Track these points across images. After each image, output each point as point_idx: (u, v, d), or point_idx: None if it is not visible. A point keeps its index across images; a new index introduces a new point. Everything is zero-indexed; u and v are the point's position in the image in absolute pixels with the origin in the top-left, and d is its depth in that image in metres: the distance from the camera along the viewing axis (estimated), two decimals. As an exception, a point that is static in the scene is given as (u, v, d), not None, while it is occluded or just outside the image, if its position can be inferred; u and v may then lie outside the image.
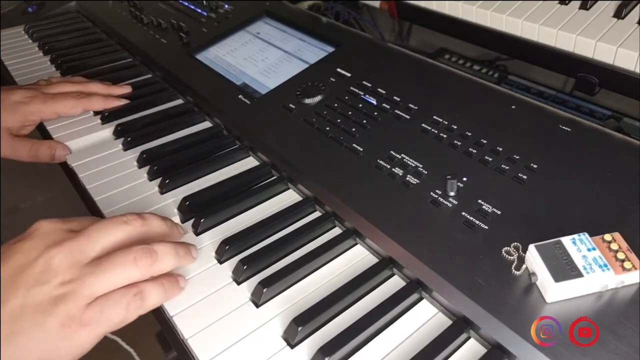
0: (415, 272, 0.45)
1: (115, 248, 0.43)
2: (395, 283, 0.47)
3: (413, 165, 0.53)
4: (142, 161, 0.65)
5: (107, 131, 0.72)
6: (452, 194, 0.49)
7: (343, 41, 0.74)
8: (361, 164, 0.55)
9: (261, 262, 0.50)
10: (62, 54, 0.92)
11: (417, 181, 0.51)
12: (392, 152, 0.55)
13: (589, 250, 0.40)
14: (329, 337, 0.42)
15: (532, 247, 0.41)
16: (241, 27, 0.86)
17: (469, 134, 0.54)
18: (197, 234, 0.54)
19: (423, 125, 0.57)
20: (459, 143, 0.54)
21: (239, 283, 0.49)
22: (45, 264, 0.40)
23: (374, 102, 0.62)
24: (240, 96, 0.70)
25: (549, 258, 0.40)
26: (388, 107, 0.61)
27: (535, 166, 0.49)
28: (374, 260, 0.50)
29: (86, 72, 0.84)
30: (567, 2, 0.69)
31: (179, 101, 0.78)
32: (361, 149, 0.57)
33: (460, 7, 0.76)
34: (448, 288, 0.43)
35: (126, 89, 0.78)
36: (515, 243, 0.43)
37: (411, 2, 0.83)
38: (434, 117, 0.57)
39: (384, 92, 0.63)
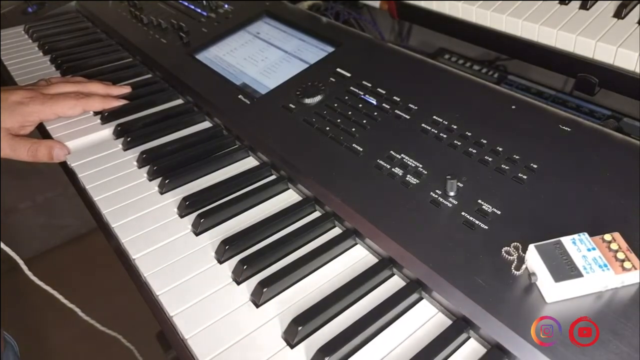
0: (415, 272, 0.45)
1: None
2: (395, 283, 0.47)
3: (413, 165, 0.53)
4: (142, 161, 0.65)
5: (107, 131, 0.72)
6: (452, 194, 0.49)
7: (343, 41, 0.74)
8: (361, 164, 0.55)
9: (261, 262, 0.50)
10: (62, 54, 0.92)
11: (417, 181, 0.51)
12: (392, 152, 0.55)
13: (588, 250, 0.40)
14: (328, 337, 0.42)
15: (532, 247, 0.41)
16: (241, 27, 0.86)
17: (469, 134, 0.54)
18: (197, 234, 0.54)
19: (423, 125, 0.57)
20: (459, 143, 0.54)
21: (239, 283, 0.49)
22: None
23: (374, 102, 0.62)
24: (240, 96, 0.70)
25: (549, 258, 0.40)
26: (388, 107, 0.61)
27: (535, 166, 0.49)
28: (373, 260, 0.50)
29: (86, 72, 0.84)
30: (567, 2, 0.69)
31: (179, 101, 0.78)
32: (361, 149, 0.57)
33: (460, 7, 0.76)
34: (448, 288, 0.43)
35: (125, 89, 0.78)
36: (515, 243, 0.43)
37: (411, 2, 0.83)
38: (434, 117, 0.57)
39: (383, 92, 0.63)
